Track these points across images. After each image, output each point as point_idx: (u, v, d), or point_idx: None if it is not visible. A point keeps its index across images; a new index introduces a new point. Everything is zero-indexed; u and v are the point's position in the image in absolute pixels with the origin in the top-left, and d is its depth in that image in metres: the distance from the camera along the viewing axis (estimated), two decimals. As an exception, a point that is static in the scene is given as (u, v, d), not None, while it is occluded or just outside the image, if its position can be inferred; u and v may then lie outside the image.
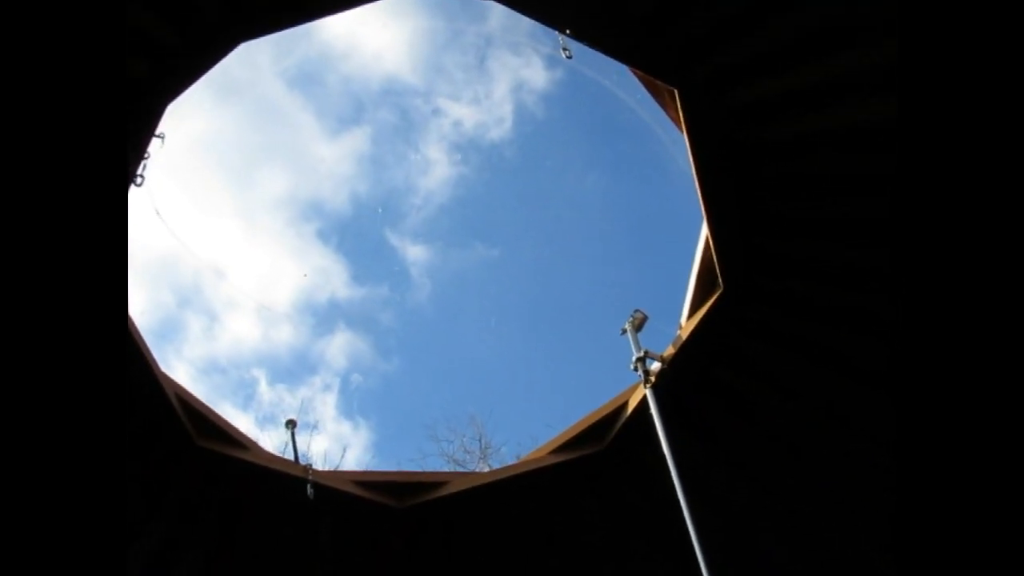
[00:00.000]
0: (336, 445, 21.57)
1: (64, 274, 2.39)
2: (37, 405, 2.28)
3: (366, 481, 6.57)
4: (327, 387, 22.40)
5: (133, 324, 5.71)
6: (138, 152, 5.06)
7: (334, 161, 21.95)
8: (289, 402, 21.59)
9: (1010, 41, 2.51)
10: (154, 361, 5.83)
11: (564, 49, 5.20)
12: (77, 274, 2.41)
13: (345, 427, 22.40)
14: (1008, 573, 2.24)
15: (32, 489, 2.23)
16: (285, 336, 23.06)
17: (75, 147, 2.48)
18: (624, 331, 6.00)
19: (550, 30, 5.27)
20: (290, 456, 6.70)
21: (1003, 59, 2.52)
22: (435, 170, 21.77)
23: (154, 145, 5.12)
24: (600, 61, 5.39)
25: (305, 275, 21.44)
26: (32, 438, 2.25)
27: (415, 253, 22.42)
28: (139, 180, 5.11)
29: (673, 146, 6.08)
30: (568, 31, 5.11)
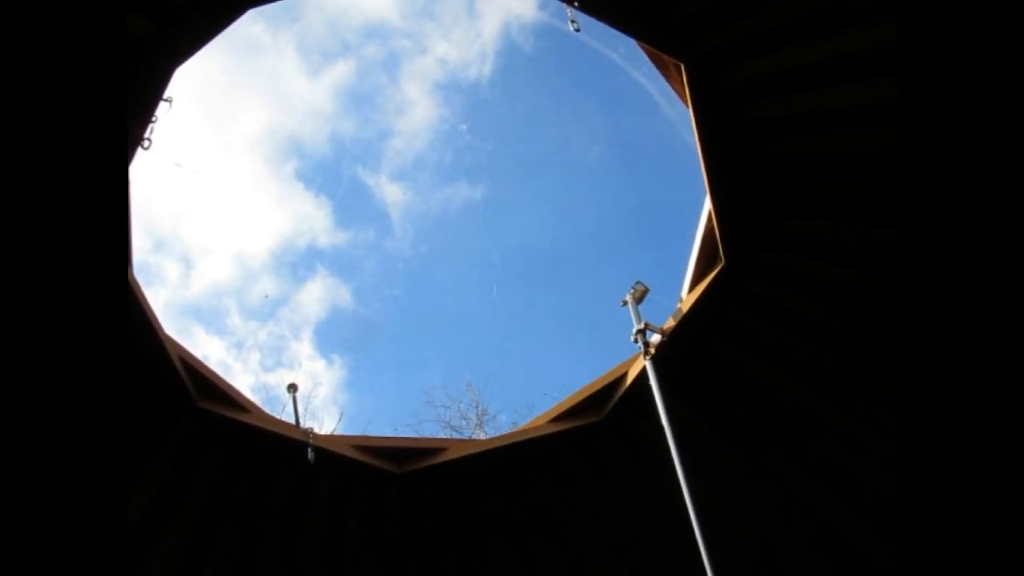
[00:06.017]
0: (309, 382, 21.53)
1: (66, 236, 2.38)
2: (41, 366, 2.28)
3: (365, 446, 6.61)
4: (301, 325, 22.42)
5: (137, 285, 5.73)
6: (145, 115, 5.02)
7: (314, 99, 21.72)
8: (262, 339, 21.63)
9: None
10: (158, 323, 5.85)
11: (572, 21, 5.17)
12: (78, 236, 2.40)
13: (319, 365, 22.57)
14: (1005, 547, 2.26)
15: (36, 450, 2.24)
16: (263, 280, 23.10)
17: (73, 101, 2.46)
18: (624, 303, 6.00)
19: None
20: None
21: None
22: (416, 110, 21.53)
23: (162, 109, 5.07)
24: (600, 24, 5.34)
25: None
26: (35, 399, 2.26)
27: (394, 193, 22.29)
28: (146, 144, 5.06)
29: (677, 119, 6.09)
30: (576, 3, 5.08)
